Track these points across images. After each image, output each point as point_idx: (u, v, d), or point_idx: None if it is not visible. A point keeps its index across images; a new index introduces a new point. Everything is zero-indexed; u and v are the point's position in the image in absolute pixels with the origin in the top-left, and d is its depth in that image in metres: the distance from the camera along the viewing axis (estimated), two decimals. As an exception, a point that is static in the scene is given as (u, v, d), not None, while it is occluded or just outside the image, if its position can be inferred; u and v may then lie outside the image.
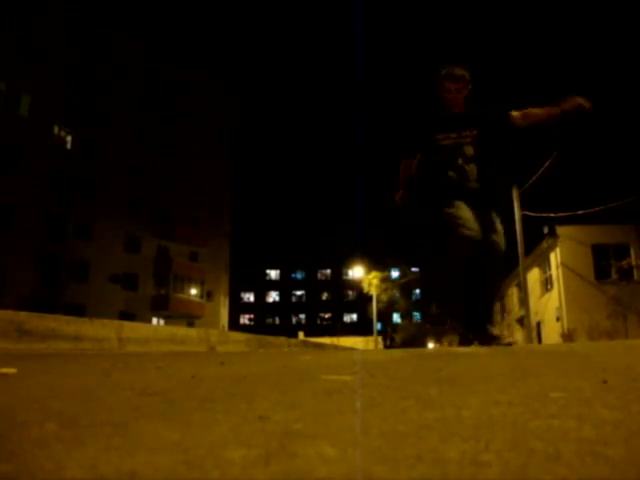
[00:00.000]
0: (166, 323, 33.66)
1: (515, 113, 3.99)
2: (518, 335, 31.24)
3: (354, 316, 63.97)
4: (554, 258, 24.69)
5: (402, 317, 48.36)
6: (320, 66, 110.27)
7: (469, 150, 3.99)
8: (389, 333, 41.16)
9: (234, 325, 49.89)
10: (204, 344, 8.50)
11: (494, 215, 3.99)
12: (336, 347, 14.44)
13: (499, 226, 3.95)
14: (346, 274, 63.10)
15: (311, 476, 0.66)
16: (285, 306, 66.67)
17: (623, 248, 23.56)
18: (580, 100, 3.74)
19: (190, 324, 33.10)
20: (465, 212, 3.87)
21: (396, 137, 4.45)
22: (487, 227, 3.88)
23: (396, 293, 44.06)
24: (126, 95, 34.95)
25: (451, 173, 3.96)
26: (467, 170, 3.96)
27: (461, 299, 3.95)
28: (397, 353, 3.42)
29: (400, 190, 4.17)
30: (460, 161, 3.96)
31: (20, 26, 29.35)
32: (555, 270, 24.52)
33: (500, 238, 3.91)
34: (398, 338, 39.79)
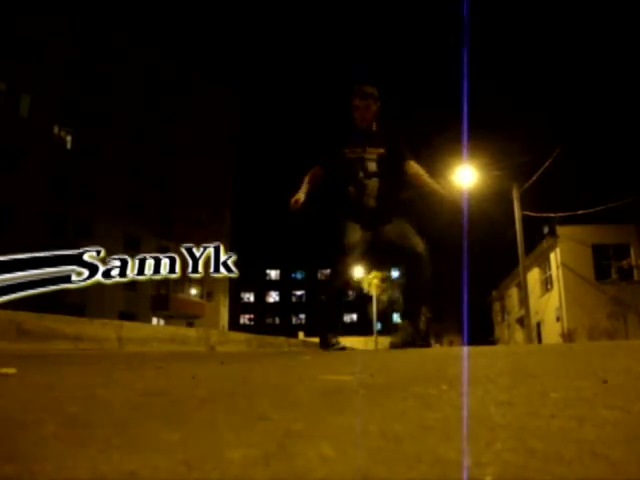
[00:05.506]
0: (166, 323, 33.65)
1: (411, 164, 4.11)
2: (518, 335, 31.24)
3: (354, 316, 63.91)
4: (554, 258, 24.68)
5: (402, 317, 48.18)
6: (320, 66, 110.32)
7: (372, 166, 4.06)
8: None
9: (234, 325, 49.82)
10: (204, 344, 8.50)
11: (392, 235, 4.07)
12: (336, 347, 14.38)
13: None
14: (346, 274, 63.03)
15: (311, 476, 0.66)
16: (285, 306, 66.62)
17: (623, 248, 23.54)
18: (458, 199, 4.32)
19: (190, 324, 33.08)
20: (354, 238, 4.00)
21: (314, 148, 4.48)
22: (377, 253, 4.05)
23: (396, 293, 44.02)
24: (126, 95, 34.91)
25: (351, 188, 4.04)
26: (367, 185, 4.03)
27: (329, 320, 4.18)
28: (397, 353, 3.42)
29: (299, 194, 4.09)
30: (361, 175, 4.02)
31: (20, 26, 29.32)
32: (555, 270, 24.52)
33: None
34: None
